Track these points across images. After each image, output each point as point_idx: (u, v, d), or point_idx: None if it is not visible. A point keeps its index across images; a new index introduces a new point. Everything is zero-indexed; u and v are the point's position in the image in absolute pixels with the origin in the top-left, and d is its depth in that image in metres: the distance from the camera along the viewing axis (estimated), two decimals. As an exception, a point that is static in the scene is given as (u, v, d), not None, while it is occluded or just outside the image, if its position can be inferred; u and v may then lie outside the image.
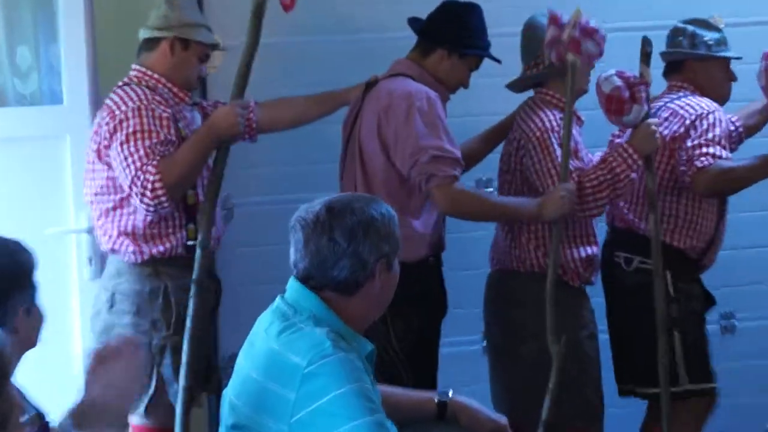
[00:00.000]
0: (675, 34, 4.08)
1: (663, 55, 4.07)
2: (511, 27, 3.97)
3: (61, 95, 4.06)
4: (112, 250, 3.42)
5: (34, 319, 2.65)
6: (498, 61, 3.84)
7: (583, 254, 3.86)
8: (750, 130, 4.24)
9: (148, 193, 3.28)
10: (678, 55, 4.05)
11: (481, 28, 3.89)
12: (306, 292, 2.58)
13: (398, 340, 3.78)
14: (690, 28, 4.05)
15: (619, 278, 3.99)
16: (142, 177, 3.34)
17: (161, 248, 3.40)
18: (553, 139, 3.69)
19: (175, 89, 3.62)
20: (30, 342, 2.65)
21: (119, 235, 3.39)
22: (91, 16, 4.04)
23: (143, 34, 3.63)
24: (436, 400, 3.08)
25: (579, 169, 3.68)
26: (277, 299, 2.64)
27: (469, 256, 4.17)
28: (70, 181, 4.00)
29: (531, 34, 3.82)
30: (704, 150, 3.79)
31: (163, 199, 3.25)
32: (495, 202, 3.89)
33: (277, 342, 2.56)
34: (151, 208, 3.26)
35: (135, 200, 3.33)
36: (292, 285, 2.58)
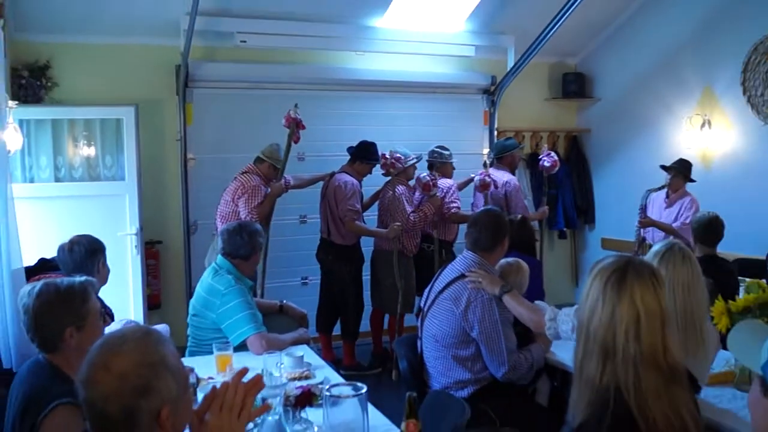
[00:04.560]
0: (433, 152, 7.93)
1: (428, 161, 7.90)
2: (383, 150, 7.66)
3: (125, 177, 7.35)
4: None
5: (106, 269, 4.76)
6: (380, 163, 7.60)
7: (415, 243, 7.69)
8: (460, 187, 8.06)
9: (253, 221, 6.05)
10: (434, 160, 7.89)
11: (376, 152, 7.60)
12: (225, 260, 4.72)
13: (348, 272, 7.54)
14: (439, 149, 7.93)
15: (424, 252, 7.72)
16: (250, 215, 6.51)
17: None
18: (404, 200, 7.46)
19: (265, 179, 6.92)
20: (105, 280, 4.71)
21: None
22: (138, 144, 7.33)
23: (261, 153, 6.96)
24: (278, 304, 5.30)
25: (418, 214, 7.44)
26: (213, 263, 4.74)
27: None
28: (128, 213, 7.31)
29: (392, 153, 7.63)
30: (452, 205, 7.66)
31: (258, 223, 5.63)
32: (370, 229, 7.56)
33: (212, 280, 4.66)
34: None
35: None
36: (220, 257, 4.73)
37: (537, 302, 4.64)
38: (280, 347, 4.38)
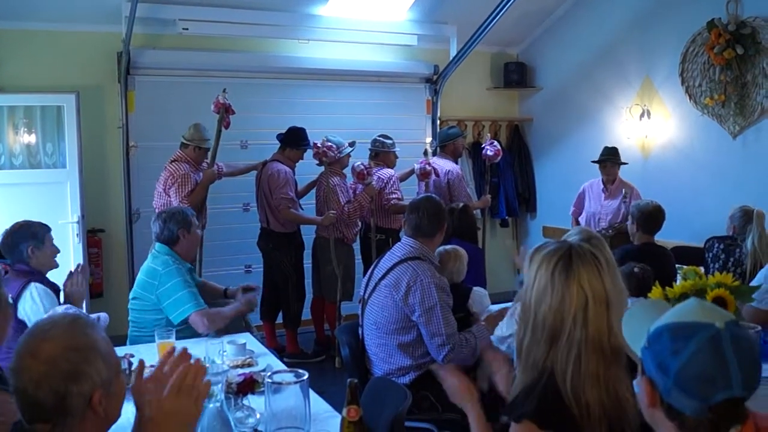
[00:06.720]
0: (375, 141, 7.86)
1: (371, 150, 7.80)
2: (315, 139, 7.52)
3: (66, 164, 7.39)
4: None
5: (46, 253, 4.65)
6: (311, 149, 7.46)
7: (354, 232, 7.74)
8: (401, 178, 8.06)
9: (186, 206, 5.68)
10: (377, 149, 7.87)
11: (305, 137, 7.59)
12: (161, 245, 4.86)
13: (289, 260, 7.54)
14: (381, 138, 7.81)
15: (369, 241, 7.70)
16: (182, 203, 6.39)
17: None
18: (339, 190, 7.41)
19: (194, 164, 6.91)
20: (51, 265, 4.74)
21: None
22: (79, 131, 7.39)
23: (183, 138, 6.90)
24: (222, 288, 5.39)
25: (353, 204, 7.39)
26: (153, 249, 4.86)
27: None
28: (69, 201, 7.36)
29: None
30: (392, 196, 7.64)
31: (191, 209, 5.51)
32: (305, 217, 7.55)
33: (152, 263, 4.79)
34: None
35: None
36: (158, 243, 4.84)
37: (477, 289, 4.73)
38: (222, 320, 4.56)
